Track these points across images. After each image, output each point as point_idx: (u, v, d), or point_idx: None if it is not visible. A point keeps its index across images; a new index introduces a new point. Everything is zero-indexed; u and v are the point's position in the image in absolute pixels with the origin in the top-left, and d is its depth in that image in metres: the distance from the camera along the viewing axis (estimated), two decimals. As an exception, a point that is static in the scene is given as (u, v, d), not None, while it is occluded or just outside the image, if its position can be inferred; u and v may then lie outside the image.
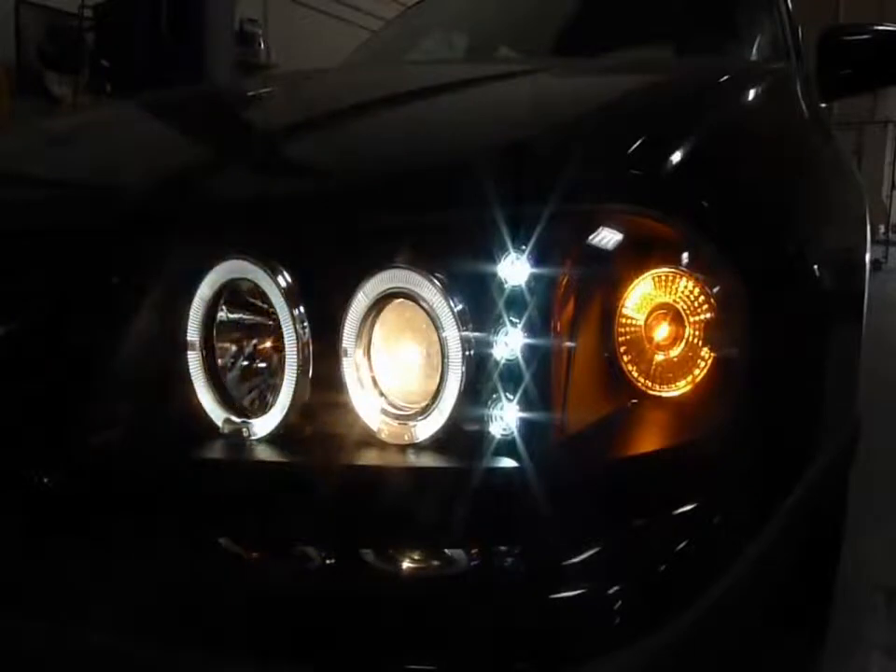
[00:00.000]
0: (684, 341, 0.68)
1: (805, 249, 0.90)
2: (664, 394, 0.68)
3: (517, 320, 0.63)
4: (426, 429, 0.64)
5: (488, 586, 0.59)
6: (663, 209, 0.68)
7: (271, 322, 0.69)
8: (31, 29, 4.60)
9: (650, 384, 0.67)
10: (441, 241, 0.66)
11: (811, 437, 0.87)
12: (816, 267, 0.90)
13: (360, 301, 0.66)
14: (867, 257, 1.38)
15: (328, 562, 0.62)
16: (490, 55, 1.93)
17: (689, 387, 0.67)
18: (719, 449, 0.68)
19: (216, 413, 0.70)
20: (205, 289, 0.70)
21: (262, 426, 0.68)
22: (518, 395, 0.63)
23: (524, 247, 0.63)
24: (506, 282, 0.63)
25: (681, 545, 0.63)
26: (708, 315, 0.67)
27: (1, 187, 0.92)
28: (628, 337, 0.67)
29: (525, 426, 0.63)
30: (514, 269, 0.63)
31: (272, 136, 0.94)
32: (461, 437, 0.64)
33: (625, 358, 0.67)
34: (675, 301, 0.67)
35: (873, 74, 1.54)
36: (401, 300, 0.65)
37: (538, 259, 0.63)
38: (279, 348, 0.68)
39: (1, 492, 0.71)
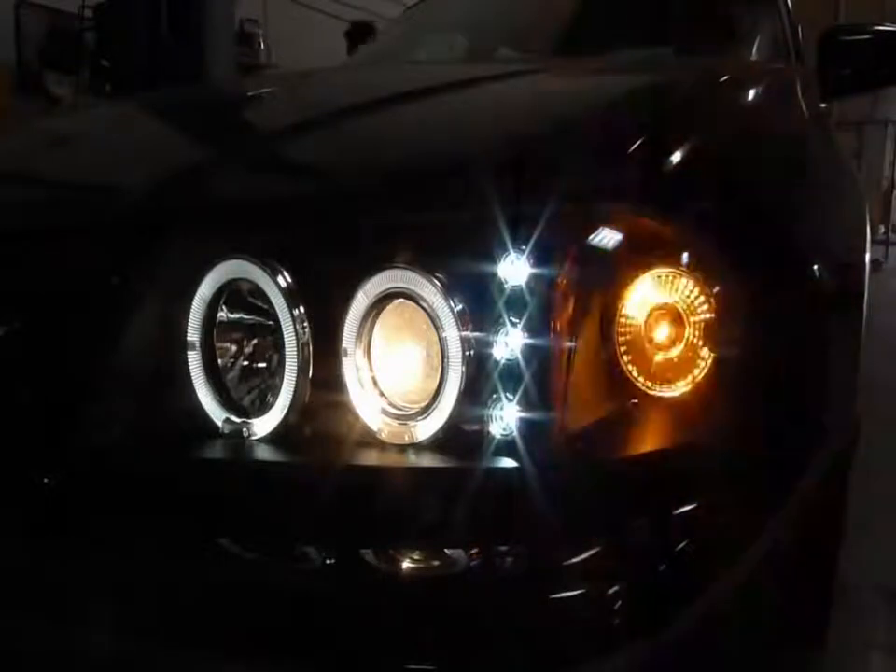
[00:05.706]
0: (684, 341, 0.68)
1: (805, 249, 0.90)
2: (664, 394, 0.67)
3: (517, 320, 0.63)
4: (426, 429, 0.64)
5: (488, 586, 0.59)
6: (663, 209, 0.68)
7: (271, 322, 0.69)
8: (31, 29, 4.60)
9: (650, 384, 0.67)
10: (441, 241, 0.66)
11: (811, 437, 0.87)
12: (816, 267, 0.90)
13: (360, 301, 0.66)
14: (867, 257, 1.38)
15: (328, 562, 0.62)
16: (490, 55, 1.93)
17: (689, 387, 0.67)
18: (719, 449, 0.68)
19: (216, 412, 0.70)
20: (205, 289, 0.70)
21: (262, 426, 0.68)
22: (518, 395, 0.63)
23: (524, 247, 0.63)
24: (506, 282, 0.63)
25: (681, 545, 0.63)
26: (708, 315, 0.67)
27: (1, 187, 0.92)
28: (628, 337, 0.67)
29: (525, 426, 0.63)
30: (514, 269, 0.63)
31: (271, 136, 0.94)
32: (461, 437, 0.64)
33: (625, 358, 0.67)
34: (675, 301, 0.67)
35: (873, 74, 1.54)
36: (401, 300, 0.65)
37: (537, 259, 0.63)
38: (279, 348, 0.68)
39: (1, 492, 0.71)
